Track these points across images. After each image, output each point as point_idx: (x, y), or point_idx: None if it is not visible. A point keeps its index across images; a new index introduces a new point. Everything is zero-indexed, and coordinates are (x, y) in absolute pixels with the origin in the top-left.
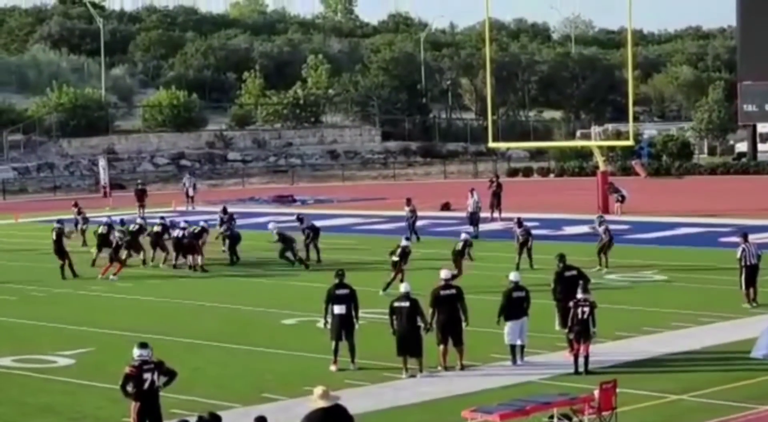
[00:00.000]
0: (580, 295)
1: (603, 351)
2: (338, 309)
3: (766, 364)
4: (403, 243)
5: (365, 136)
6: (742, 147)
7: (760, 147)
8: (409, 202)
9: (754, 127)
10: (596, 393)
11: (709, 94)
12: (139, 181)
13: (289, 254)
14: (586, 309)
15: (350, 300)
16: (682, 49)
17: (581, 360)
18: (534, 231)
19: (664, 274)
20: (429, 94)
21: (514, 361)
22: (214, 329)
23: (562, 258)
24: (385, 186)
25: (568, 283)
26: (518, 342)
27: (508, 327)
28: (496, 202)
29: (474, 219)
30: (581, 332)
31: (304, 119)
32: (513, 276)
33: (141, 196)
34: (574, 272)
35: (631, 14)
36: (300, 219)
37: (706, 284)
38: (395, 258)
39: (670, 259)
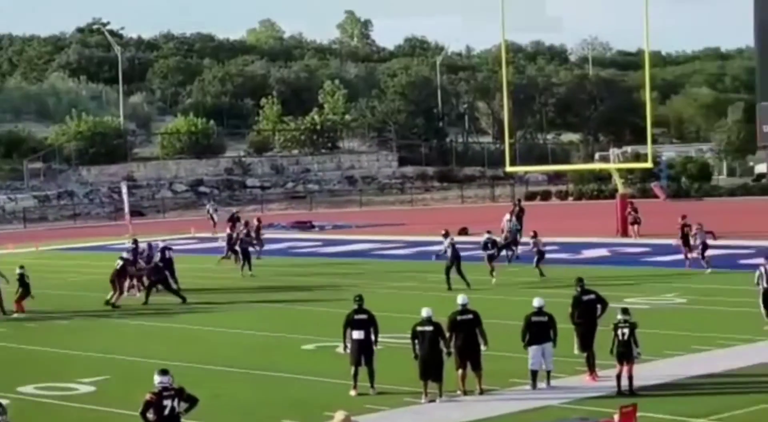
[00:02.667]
0: (620, 316)
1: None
2: (357, 334)
3: None
4: None
5: (382, 161)
6: (761, 168)
7: None
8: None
9: None
10: (616, 417)
11: (728, 115)
12: (234, 211)
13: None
14: (626, 330)
15: (369, 325)
16: (700, 70)
17: (624, 381)
18: (553, 256)
19: (684, 297)
20: (446, 118)
21: (534, 386)
22: (233, 355)
23: (580, 282)
24: (402, 211)
25: (585, 307)
26: (543, 368)
27: (530, 351)
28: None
29: (510, 241)
30: (624, 353)
31: (321, 145)
32: (536, 301)
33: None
34: (592, 296)
35: (648, 36)
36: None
37: (726, 307)
38: None
39: (690, 282)
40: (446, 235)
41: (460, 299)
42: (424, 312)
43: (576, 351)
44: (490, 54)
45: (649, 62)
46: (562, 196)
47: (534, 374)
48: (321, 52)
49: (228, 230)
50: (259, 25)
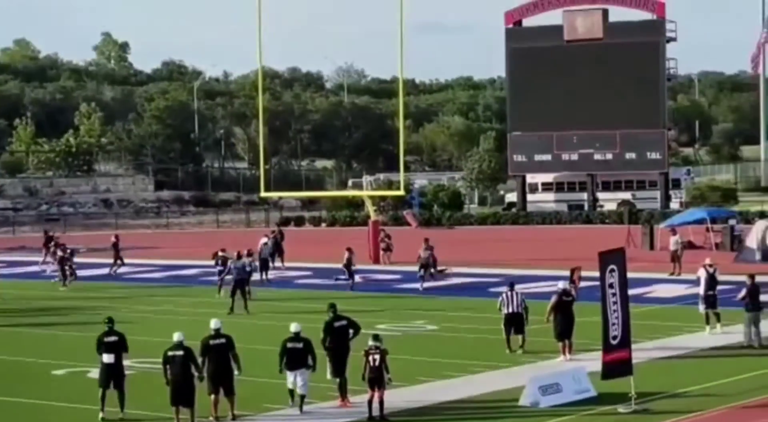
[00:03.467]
0: (371, 343)
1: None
2: (107, 357)
3: (533, 412)
4: None
5: (138, 185)
6: (512, 197)
7: (530, 197)
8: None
9: (524, 177)
10: None
11: (479, 144)
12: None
13: None
14: (377, 356)
15: (119, 347)
16: (453, 99)
17: (375, 406)
18: (306, 281)
19: (435, 324)
20: (202, 143)
21: (292, 402)
22: None
23: (332, 307)
24: (158, 235)
25: (338, 333)
26: (298, 392)
27: (288, 375)
28: (278, 251)
29: (265, 265)
30: (374, 379)
31: (76, 167)
32: (293, 327)
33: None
34: (344, 322)
35: (402, 64)
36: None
37: (476, 334)
38: None
39: (440, 309)
40: (239, 257)
41: (213, 323)
42: (176, 337)
43: (329, 377)
44: (248, 80)
45: (403, 90)
46: (316, 222)
47: (291, 393)
48: (77, 74)
49: (56, 252)
50: (13, 44)
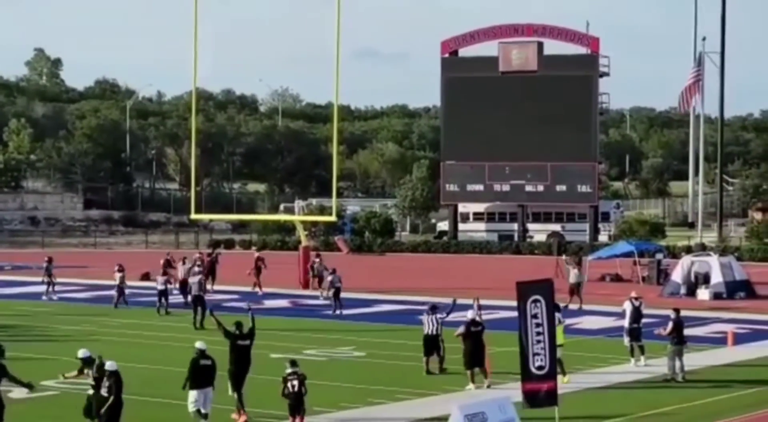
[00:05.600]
0: (289, 369)
1: None
2: None
3: None
4: None
5: (67, 203)
6: (443, 226)
7: (461, 226)
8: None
9: (456, 206)
10: None
11: (413, 172)
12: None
13: None
14: (296, 382)
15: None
16: (387, 126)
17: None
18: (235, 305)
19: (363, 350)
20: (133, 163)
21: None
22: None
23: (239, 326)
24: (85, 254)
25: (240, 351)
26: (203, 410)
27: (193, 395)
28: (211, 274)
29: (185, 289)
30: (294, 406)
31: (4, 184)
32: (199, 344)
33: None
34: (248, 341)
35: (338, 89)
36: None
37: (403, 361)
38: None
39: (369, 336)
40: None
41: (81, 353)
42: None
43: (230, 393)
44: (181, 101)
45: (338, 116)
46: (246, 245)
47: (205, 416)
48: (8, 89)
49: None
50: None
